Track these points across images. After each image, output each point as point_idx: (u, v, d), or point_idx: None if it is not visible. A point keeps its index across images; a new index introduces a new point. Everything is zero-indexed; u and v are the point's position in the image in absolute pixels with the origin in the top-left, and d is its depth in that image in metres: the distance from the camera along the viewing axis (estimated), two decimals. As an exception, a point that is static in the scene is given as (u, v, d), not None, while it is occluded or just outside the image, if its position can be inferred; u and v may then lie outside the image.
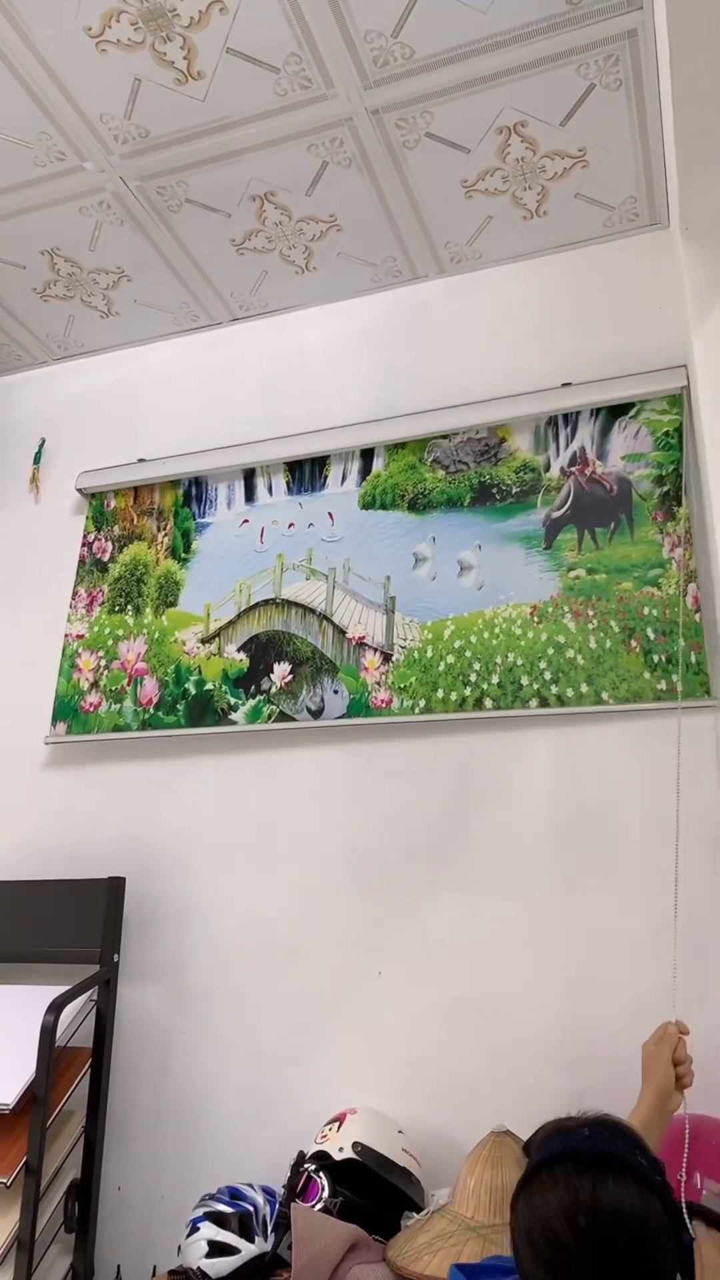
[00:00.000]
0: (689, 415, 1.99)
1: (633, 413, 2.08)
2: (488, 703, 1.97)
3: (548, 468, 2.13)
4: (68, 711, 2.34)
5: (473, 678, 2.00)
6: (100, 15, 1.81)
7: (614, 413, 2.09)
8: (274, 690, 2.18)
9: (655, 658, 1.88)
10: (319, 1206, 1.55)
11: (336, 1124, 1.68)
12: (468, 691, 2.00)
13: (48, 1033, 1.71)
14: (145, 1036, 2.05)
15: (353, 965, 1.95)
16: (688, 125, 1.54)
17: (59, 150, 2.10)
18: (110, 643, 2.38)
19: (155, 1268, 1.86)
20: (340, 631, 2.18)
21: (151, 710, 2.26)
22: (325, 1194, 1.57)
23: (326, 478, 2.35)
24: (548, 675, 1.95)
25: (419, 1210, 1.57)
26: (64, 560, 2.55)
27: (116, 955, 1.98)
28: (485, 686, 1.99)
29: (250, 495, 2.41)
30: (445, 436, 2.24)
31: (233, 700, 2.20)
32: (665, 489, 2.00)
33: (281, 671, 2.20)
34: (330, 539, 2.28)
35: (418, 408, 2.28)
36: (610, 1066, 1.70)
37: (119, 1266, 1.90)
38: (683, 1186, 1.34)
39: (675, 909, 1.62)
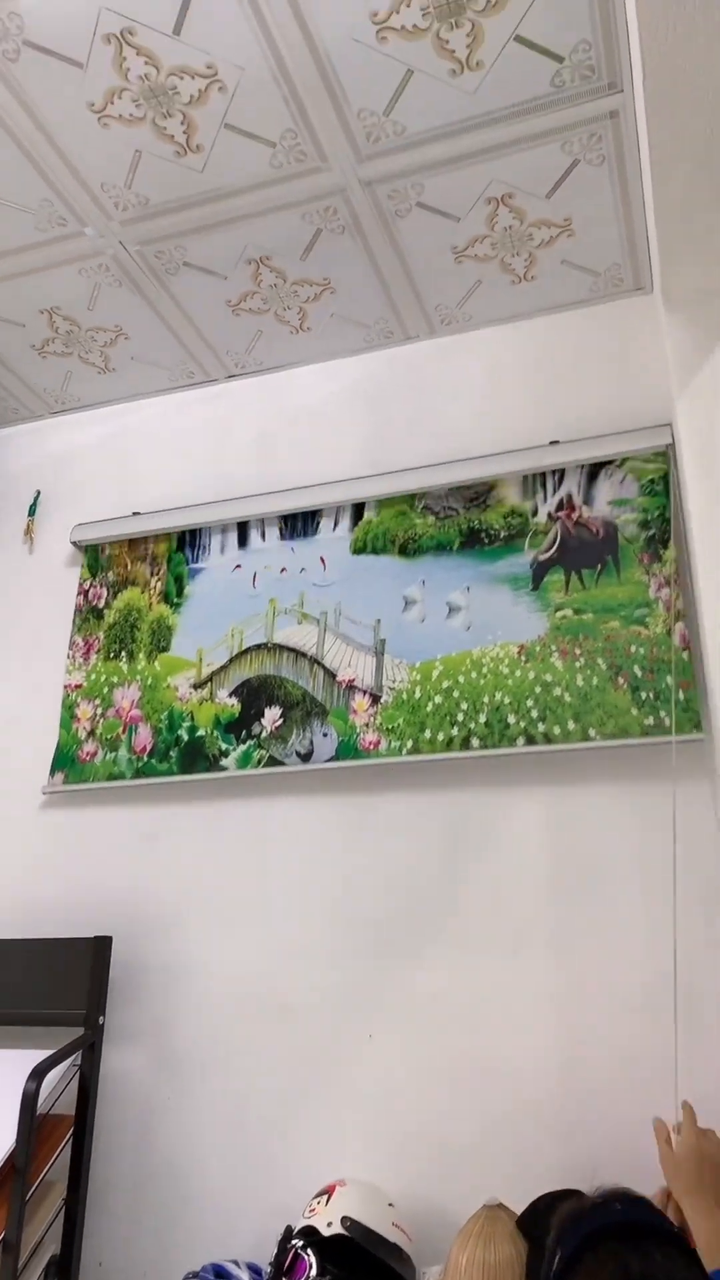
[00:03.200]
0: (674, 474, 2.02)
1: (619, 461, 2.12)
2: (475, 742, 1.98)
3: (535, 513, 2.17)
4: (66, 761, 2.34)
5: (460, 717, 2.01)
6: (103, 92, 1.87)
7: (601, 462, 2.15)
8: (264, 735, 2.18)
9: (643, 694, 1.89)
10: (306, 1285, 1.51)
11: (325, 1197, 1.64)
12: (455, 731, 2.00)
13: (29, 1101, 1.67)
14: (128, 1102, 2.00)
15: (343, 1028, 1.92)
16: (666, 203, 1.59)
17: (60, 216, 2.15)
18: (106, 690, 2.39)
19: (136, 1348, 1.80)
20: (330, 675, 2.20)
21: (145, 758, 2.26)
22: (313, 1272, 1.52)
23: (319, 524, 2.38)
24: (535, 713, 1.96)
25: (409, 1288, 1.53)
26: (57, 612, 2.55)
27: (102, 1018, 1.94)
28: (472, 726, 1.99)
29: (243, 541, 2.44)
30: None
31: (224, 746, 2.21)
32: (651, 533, 2.03)
33: (272, 716, 2.20)
34: (322, 583, 2.31)
35: (408, 464, 2.32)
36: (605, 1132, 1.67)
37: (99, 1347, 1.83)
38: None
39: (674, 952, 1.61)
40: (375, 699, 2.12)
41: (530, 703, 1.97)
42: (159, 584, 2.46)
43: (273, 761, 2.15)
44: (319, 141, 1.94)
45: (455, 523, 2.23)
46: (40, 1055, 1.77)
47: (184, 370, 2.66)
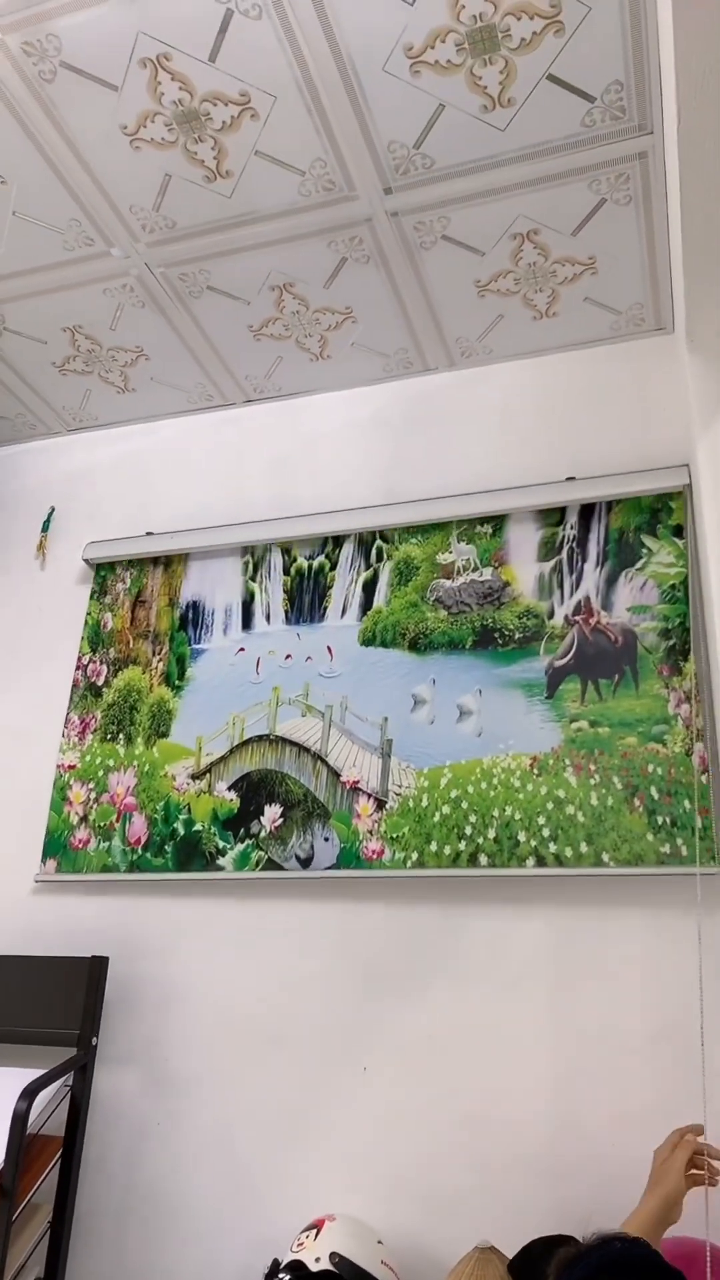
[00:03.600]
0: (690, 517, 2.03)
1: (639, 564, 2.06)
2: (483, 859, 1.89)
3: (551, 615, 2.09)
4: (57, 847, 2.26)
5: (468, 831, 1.93)
6: (136, 116, 1.89)
7: (621, 562, 2.08)
8: (263, 835, 2.10)
9: (659, 819, 1.81)
10: (292, 1322, 1.48)
11: (314, 1231, 1.61)
12: (462, 846, 1.92)
13: (19, 1121, 1.65)
14: (117, 1125, 1.98)
15: (337, 1058, 1.89)
16: (693, 246, 1.61)
17: (87, 236, 2.18)
18: (101, 774, 2.31)
19: None
20: (334, 774, 2.11)
21: (140, 851, 2.18)
22: (299, 1308, 1.50)
23: (326, 609, 2.31)
24: (546, 832, 1.87)
25: (397, 1330, 1.50)
26: (66, 628, 2.55)
27: (95, 1039, 1.92)
28: (481, 841, 1.91)
29: (247, 622, 2.37)
30: (448, 576, 2.22)
31: (221, 844, 2.12)
32: (671, 643, 1.95)
33: (272, 814, 2.12)
34: (329, 674, 2.23)
35: (423, 495, 2.32)
36: (598, 1177, 1.65)
37: None
38: None
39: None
40: (380, 804, 2.04)
41: (542, 820, 1.89)
42: (160, 664, 2.39)
43: (271, 864, 2.06)
44: (348, 171, 1.97)
45: (468, 619, 2.16)
46: (31, 1074, 1.75)
47: (203, 393, 2.67)
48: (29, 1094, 1.68)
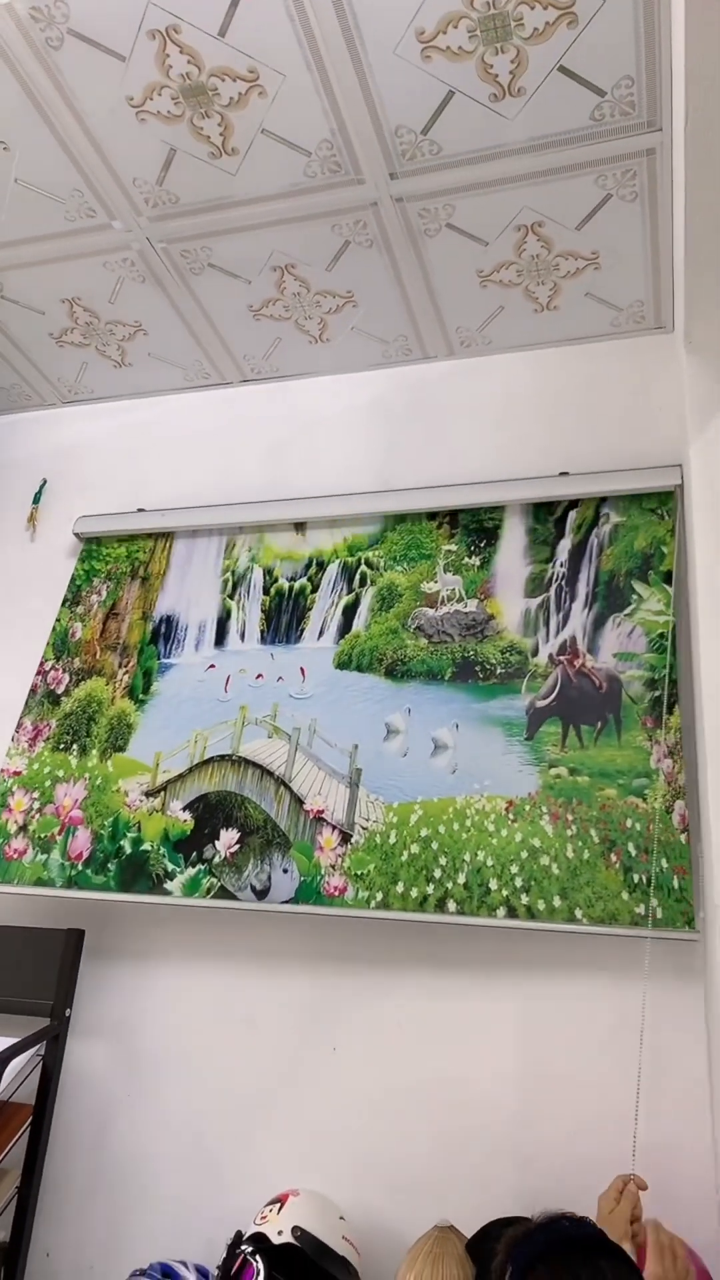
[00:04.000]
0: (681, 519, 2.04)
1: (628, 610, 2.01)
2: (451, 905, 1.81)
3: (535, 652, 2.04)
4: None
5: (437, 874, 1.85)
6: (143, 87, 1.87)
7: (609, 606, 2.03)
8: (217, 860, 2.00)
9: (635, 877, 1.74)
10: (253, 1293, 1.51)
11: (277, 1205, 1.64)
12: (430, 889, 1.84)
13: (-10, 1087, 1.67)
14: (87, 1095, 1.99)
15: (307, 1038, 1.91)
16: (696, 248, 1.61)
17: (89, 207, 2.16)
18: (48, 784, 2.21)
19: (76, 1344, 1.80)
20: (298, 801, 2.02)
21: (80, 866, 2.08)
22: (261, 1278, 1.52)
23: (303, 630, 2.26)
24: (519, 882, 1.80)
25: (355, 1304, 1.53)
26: (54, 600, 2.55)
27: (69, 1010, 1.94)
28: (450, 886, 1.83)
29: (221, 639, 2.31)
30: (432, 605, 2.17)
31: (170, 866, 2.02)
32: (656, 693, 1.90)
33: (228, 839, 2.02)
34: (299, 695, 2.16)
35: (417, 484, 2.33)
36: (561, 1166, 1.67)
37: (39, 1339, 1.82)
38: None
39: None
40: (345, 837, 1.95)
41: (515, 869, 1.81)
42: (126, 677, 2.32)
43: (224, 893, 1.96)
44: (354, 154, 1.96)
45: (449, 650, 2.10)
46: (3, 1042, 1.77)
47: (200, 370, 2.66)
48: (1, 1061, 1.69)
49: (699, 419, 1.78)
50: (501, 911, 1.78)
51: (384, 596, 2.23)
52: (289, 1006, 1.95)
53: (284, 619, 2.29)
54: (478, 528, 2.24)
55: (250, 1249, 1.57)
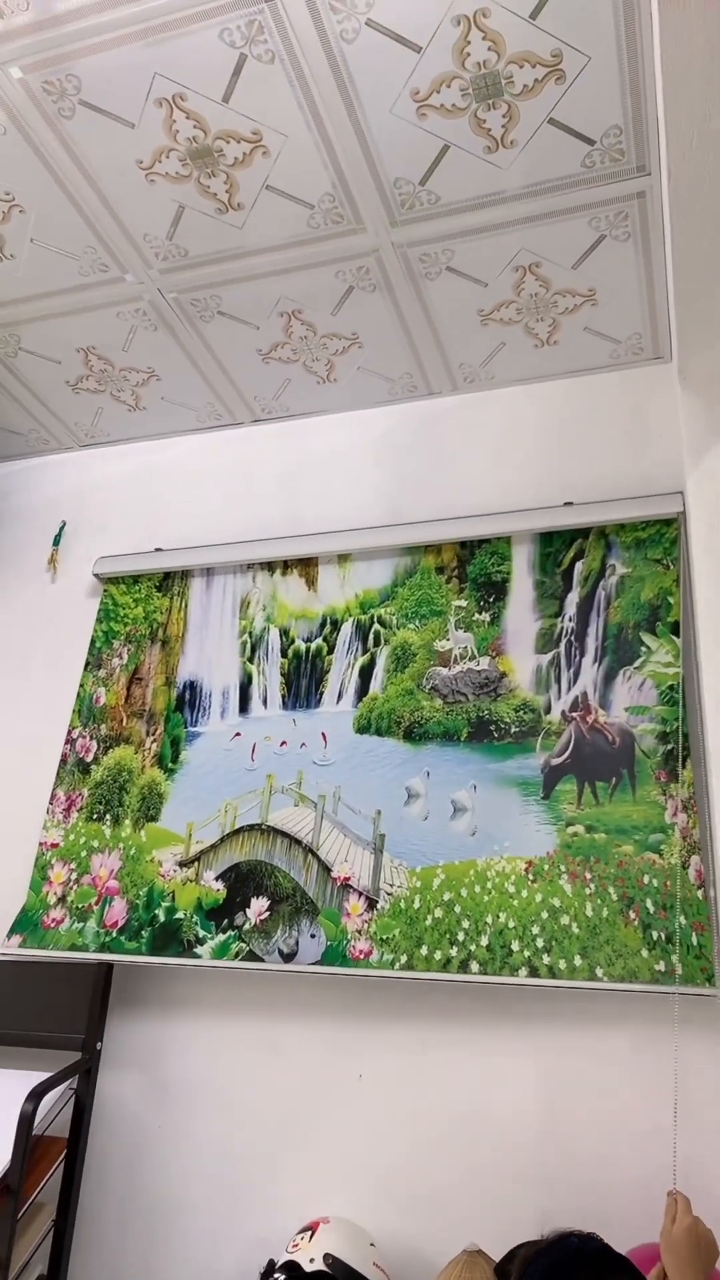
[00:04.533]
0: (684, 544, 2.08)
1: (638, 663, 2.03)
2: (474, 966, 1.84)
3: (548, 710, 2.07)
4: (27, 925, 2.20)
5: (460, 937, 1.88)
6: (151, 151, 1.96)
7: (619, 659, 2.05)
8: (247, 927, 2.04)
9: (654, 934, 1.76)
10: (287, 1320, 1.54)
11: (309, 1233, 1.67)
12: (454, 951, 1.87)
13: (25, 1122, 1.70)
14: (119, 1126, 2.03)
15: (333, 1066, 1.95)
16: (686, 289, 1.66)
17: (102, 263, 2.24)
18: (84, 854, 2.26)
19: None
20: (325, 869, 2.06)
21: (114, 934, 2.12)
22: (293, 1307, 1.55)
23: (323, 694, 2.29)
24: (540, 942, 1.82)
25: (387, 1330, 1.56)
26: (75, 640, 2.61)
27: (99, 1043, 1.98)
28: (473, 948, 1.86)
29: (245, 706, 2.35)
30: (445, 664, 2.20)
31: (202, 933, 2.07)
32: (669, 747, 1.92)
33: (259, 907, 2.07)
34: (322, 762, 2.20)
35: (426, 516, 2.38)
36: (585, 1185, 1.70)
37: None
38: None
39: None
40: (371, 903, 1.98)
41: (536, 929, 1.84)
42: (154, 745, 2.36)
43: (252, 956, 2.00)
44: (356, 205, 2.03)
45: (464, 710, 2.13)
46: (37, 1076, 1.81)
47: (212, 412, 2.74)
48: (35, 1096, 1.73)
49: (695, 451, 1.83)
50: (524, 972, 1.81)
51: (398, 656, 2.27)
52: (315, 1043, 1.98)
53: (303, 682, 2.33)
54: (486, 581, 2.27)
55: (283, 1277, 1.60)
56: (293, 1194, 1.87)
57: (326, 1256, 1.60)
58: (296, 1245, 1.66)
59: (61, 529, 2.81)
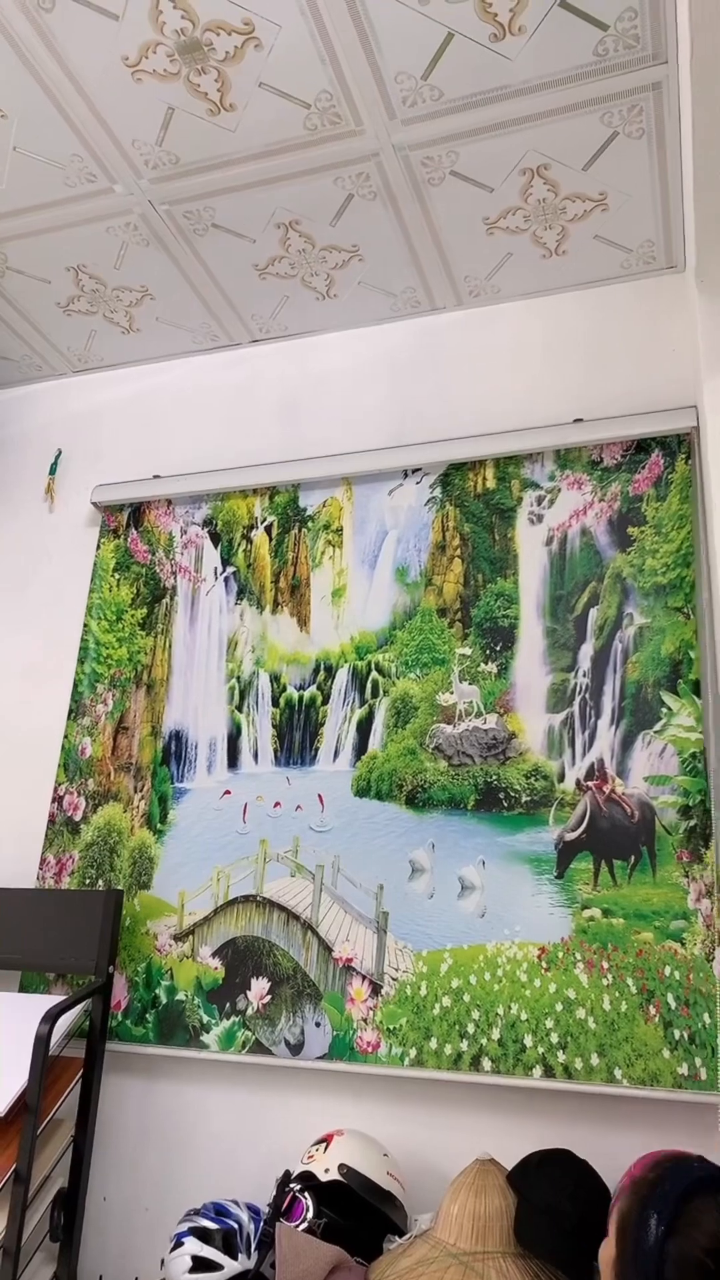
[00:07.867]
0: (697, 460, 2.03)
1: (658, 726, 1.89)
2: (486, 1063, 1.76)
3: (561, 777, 1.93)
4: None
5: (470, 1029, 1.79)
6: (138, 46, 1.85)
7: (638, 722, 1.91)
8: (250, 1012, 1.97)
9: (676, 1033, 1.66)
10: (303, 1227, 1.57)
11: (323, 1145, 1.70)
12: (465, 1046, 1.78)
13: (42, 1043, 1.73)
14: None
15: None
16: (707, 184, 1.58)
17: (90, 172, 2.14)
18: None
19: (137, 1278, 1.88)
20: (326, 948, 1.96)
21: (119, 1017, 2.04)
22: (310, 1214, 1.59)
23: (318, 750, 2.15)
24: (554, 1038, 1.73)
25: (401, 1234, 1.59)
26: (75, 571, 2.58)
27: (112, 967, 2.00)
28: (484, 1042, 1.77)
29: (234, 760, 2.21)
30: (449, 721, 2.06)
31: (205, 1018, 1.99)
32: (692, 823, 1.79)
33: (259, 989, 1.98)
34: (320, 828, 2.07)
35: (431, 437, 2.32)
36: (589, 1100, 1.72)
37: (101, 1276, 1.92)
38: None
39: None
40: (376, 988, 1.89)
41: (550, 1023, 1.74)
42: (143, 803, 2.23)
43: (259, 1046, 1.93)
44: (354, 104, 1.92)
45: (470, 773, 2.00)
46: (53, 999, 1.84)
47: (208, 333, 2.65)
48: (50, 1018, 1.76)
49: (713, 360, 1.76)
50: (538, 1071, 1.72)
51: (398, 710, 2.12)
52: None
53: (296, 735, 2.19)
54: (492, 626, 2.11)
55: (299, 1187, 1.64)
56: (307, 1107, 1.90)
57: (341, 1166, 1.64)
58: (311, 1156, 1.69)
59: (57, 457, 2.75)
